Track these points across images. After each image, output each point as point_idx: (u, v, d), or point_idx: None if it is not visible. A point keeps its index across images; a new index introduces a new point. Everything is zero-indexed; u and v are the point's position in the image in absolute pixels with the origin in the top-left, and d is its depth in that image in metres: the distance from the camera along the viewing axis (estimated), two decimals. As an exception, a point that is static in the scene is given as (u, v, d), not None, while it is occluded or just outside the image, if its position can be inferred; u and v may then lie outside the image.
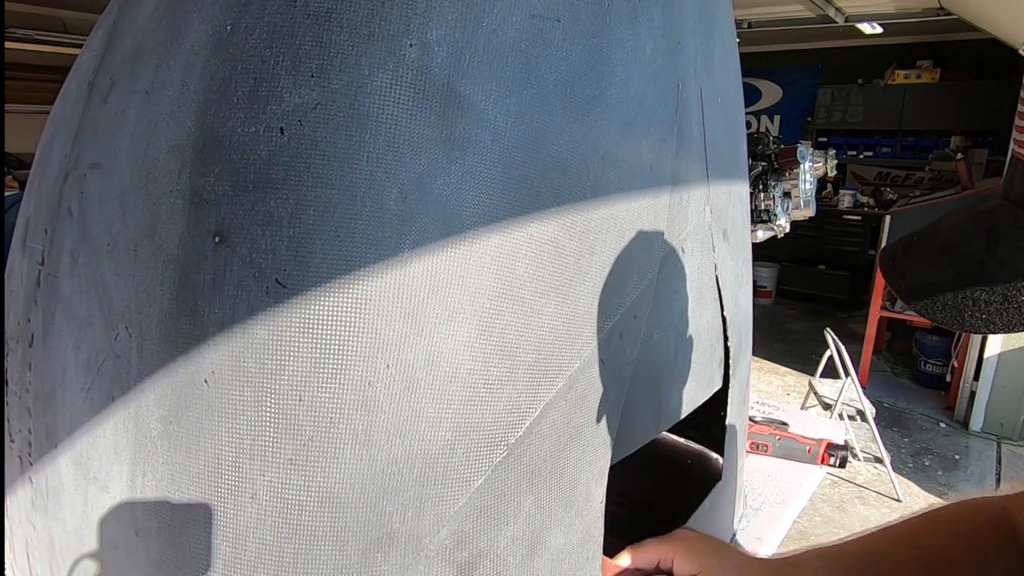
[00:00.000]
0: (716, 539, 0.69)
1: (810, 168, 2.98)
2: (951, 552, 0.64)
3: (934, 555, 0.64)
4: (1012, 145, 0.46)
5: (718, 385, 1.13)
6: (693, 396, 1.04)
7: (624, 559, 0.71)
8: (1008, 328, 0.43)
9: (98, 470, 0.74)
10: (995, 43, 4.50)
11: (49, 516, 0.85)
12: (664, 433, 1.55)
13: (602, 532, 0.82)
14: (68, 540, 0.82)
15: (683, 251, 0.93)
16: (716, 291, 1.07)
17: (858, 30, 5.70)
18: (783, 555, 0.68)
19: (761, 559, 0.68)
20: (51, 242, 0.84)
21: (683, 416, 1.01)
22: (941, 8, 4.73)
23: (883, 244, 4.81)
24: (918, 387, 4.93)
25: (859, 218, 6.70)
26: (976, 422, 4.19)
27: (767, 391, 4.84)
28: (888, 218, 4.87)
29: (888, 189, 6.83)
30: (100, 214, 0.75)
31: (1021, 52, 3.99)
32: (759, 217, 2.87)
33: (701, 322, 1.03)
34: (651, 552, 0.69)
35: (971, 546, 0.64)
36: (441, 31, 0.62)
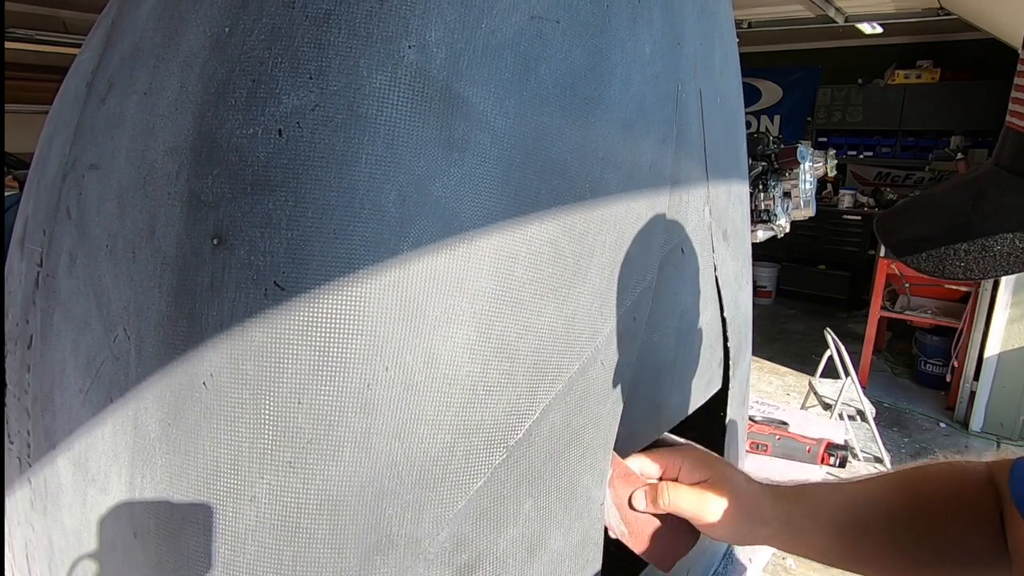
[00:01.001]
0: (720, 457, 0.76)
1: (810, 168, 2.98)
2: (937, 502, 0.71)
3: (922, 502, 0.71)
4: (1007, 116, 0.49)
5: (718, 386, 1.13)
6: (694, 397, 1.03)
7: (635, 461, 0.76)
8: (983, 275, 0.46)
9: (97, 471, 0.74)
10: (995, 43, 4.50)
11: (48, 517, 0.85)
12: (664, 432, 1.54)
13: (602, 535, 0.82)
14: (67, 541, 0.82)
15: (683, 252, 0.93)
16: (716, 291, 1.06)
17: (858, 30, 5.70)
18: (782, 482, 0.74)
19: (763, 482, 0.74)
20: (49, 243, 0.83)
21: (684, 417, 1.01)
22: (941, 8, 4.73)
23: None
24: (918, 387, 4.93)
25: (859, 218, 6.70)
26: (976, 422, 4.19)
27: (767, 391, 4.84)
28: (888, 218, 4.86)
29: (888, 189, 6.84)
30: (98, 215, 0.75)
31: (1021, 53, 3.99)
32: (759, 217, 2.87)
33: (701, 322, 1.03)
34: (660, 458, 0.76)
35: (956, 499, 0.70)
36: (440, 32, 0.62)
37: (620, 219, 0.79)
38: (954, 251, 0.47)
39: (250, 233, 0.60)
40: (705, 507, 0.71)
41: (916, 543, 0.70)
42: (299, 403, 0.61)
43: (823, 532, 0.72)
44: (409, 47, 0.62)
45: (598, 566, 0.82)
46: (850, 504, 0.73)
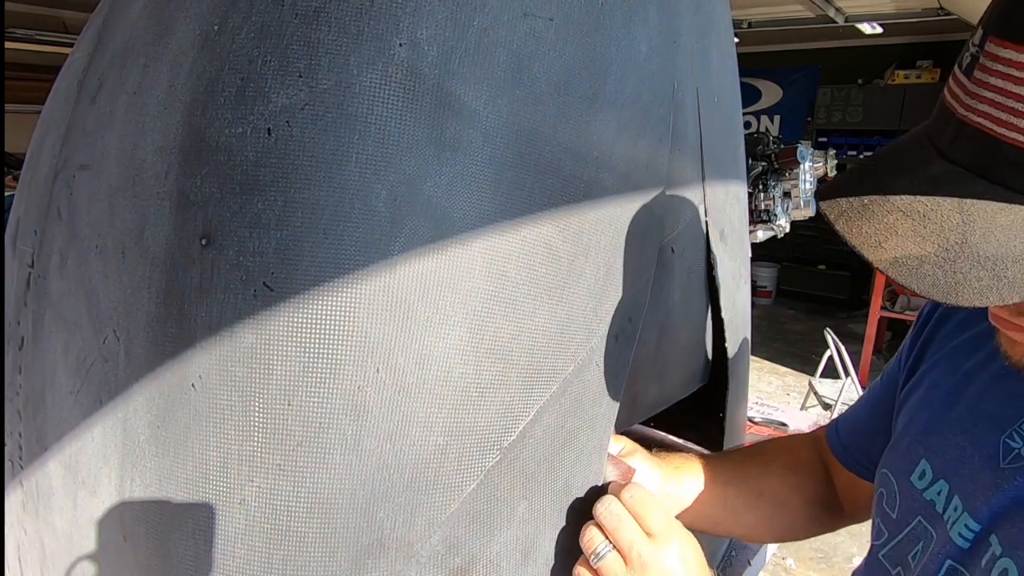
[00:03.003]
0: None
1: (810, 168, 2.98)
2: (781, 457, 0.93)
3: (766, 463, 0.92)
4: (959, 107, 0.46)
5: (700, 383, 1.12)
6: (671, 393, 1.03)
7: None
8: (1001, 300, 0.43)
9: (87, 474, 0.73)
10: (995, 42, 4.48)
11: (40, 520, 0.85)
12: (663, 434, 1.54)
13: (597, 537, 0.81)
14: (58, 544, 0.81)
15: (674, 251, 0.92)
16: (706, 291, 1.06)
17: (858, 30, 5.70)
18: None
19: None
20: (40, 243, 0.83)
21: (658, 411, 1.00)
22: (941, 8, 4.73)
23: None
24: (918, 387, 4.92)
25: (859, 218, 6.69)
26: (976, 422, 4.18)
27: (767, 391, 4.84)
28: (888, 218, 4.85)
29: (888, 189, 6.82)
30: (89, 215, 0.74)
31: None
32: (759, 217, 2.87)
33: (689, 321, 1.02)
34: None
35: (791, 456, 0.92)
36: (431, 30, 0.62)
37: (616, 219, 0.78)
38: (963, 276, 0.43)
39: (239, 233, 0.60)
40: (649, 473, 0.85)
41: (764, 495, 0.88)
42: (289, 405, 0.60)
43: (700, 483, 0.87)
44: (400, 45, 0.61)
45: (593, 569, 0.81)
46: (716, 464, 0.90)
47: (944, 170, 0.46)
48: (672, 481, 0.86)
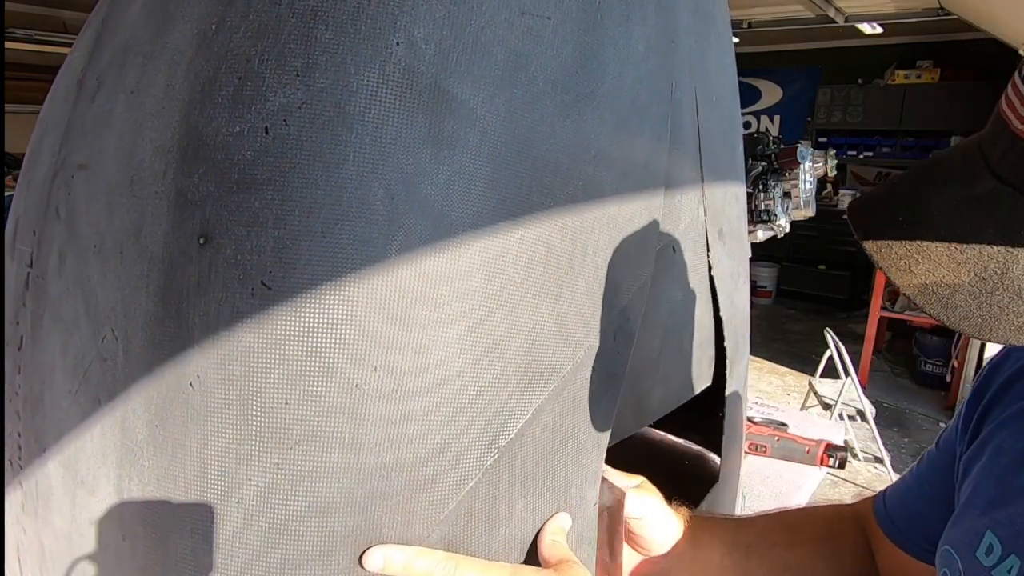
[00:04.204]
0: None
1: (810, 168, 2.97)
2: (812, 533, 0.82)
3: (798, 533, 0.82)
4: (1008, 113, 0.40)
5: (706, 384, 1.12)
6: (677, 395, 1.03)
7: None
8: None
9: (86, 474, 0.73)
10: (995, 43, 4.50)
11: (39, 520, 0.85)
12: (662, 434, 1.54)
13: (596, 535, 0.81)
14: (57, 544, 0.81)
15: (675, 250, 0.92)
16: (708, 290, 1.06)
17: (858, 30, 5.70)
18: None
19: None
20: (39, 243, 0.83)
21: (664, 414, 1.00)
22: (941, 8, 4.73)
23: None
24: (918, 387, 4.93)
25: (859, 218, 6.68)
26: (977, 422, 4.17)
27: (767, 391, 4.84)
28: (888, 218, 4.85)
29: (888, 189, 6.82)
30: (87, 215, 0.74)
31: (1021, 52, 3.99)
32: (759, 217, 2.86)
33: (691, 321, 1.02)
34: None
35: (825, 527, 0.82)
36: (428, 29, 0.62)
37: (614, 218, 0.78)
38: (1000, 310, 0.39)
39: (236, 232, 0.60)
40: (655, 509, 0.81)
41: (791, 569, 0.79)
42: (287, 404, 0.60)
43: (719, 546, 0.81)
44: (397, 43, 0.61)
45: (592, 567, 0.81)
46: (737, 527, 0.84)
47: (991, 188, 0.41)
48: (685, 538, 0.79)
